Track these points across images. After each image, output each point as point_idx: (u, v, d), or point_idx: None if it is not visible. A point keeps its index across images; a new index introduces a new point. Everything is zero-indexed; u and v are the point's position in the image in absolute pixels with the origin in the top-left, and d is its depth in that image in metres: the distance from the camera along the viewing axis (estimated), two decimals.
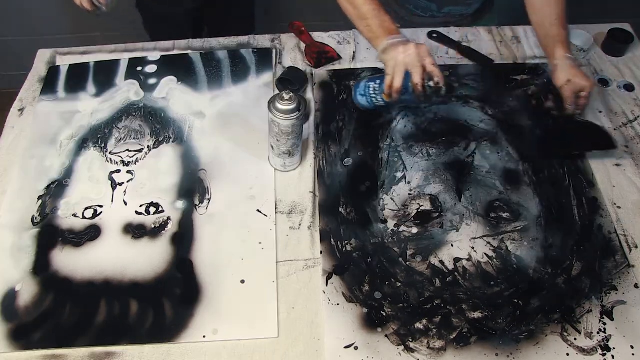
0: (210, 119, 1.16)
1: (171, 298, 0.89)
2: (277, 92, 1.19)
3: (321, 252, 0.95)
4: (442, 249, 0.95)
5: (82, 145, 1.11)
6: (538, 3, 1.12)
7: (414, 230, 0.98)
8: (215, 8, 1.58)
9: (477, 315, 0.88)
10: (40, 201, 1.02)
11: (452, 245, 0.96)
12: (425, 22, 1.36)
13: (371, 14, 1.03)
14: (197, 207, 1.01)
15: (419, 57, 0.98)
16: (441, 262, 0.94)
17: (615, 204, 1.02)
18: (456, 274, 0.92)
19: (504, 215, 1.00)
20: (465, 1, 1.32)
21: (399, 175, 1.06)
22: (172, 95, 1.20)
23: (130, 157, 1.09)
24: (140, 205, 1.01)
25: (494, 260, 0.94)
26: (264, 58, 1.28)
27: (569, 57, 1.07)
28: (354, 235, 0.97)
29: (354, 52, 1.30)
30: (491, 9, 1.41)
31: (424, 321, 0.87)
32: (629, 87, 1.22)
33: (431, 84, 0.99)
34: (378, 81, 1.07)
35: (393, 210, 1.01)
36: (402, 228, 0.98)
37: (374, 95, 1.08)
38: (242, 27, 1.60)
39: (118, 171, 1.07)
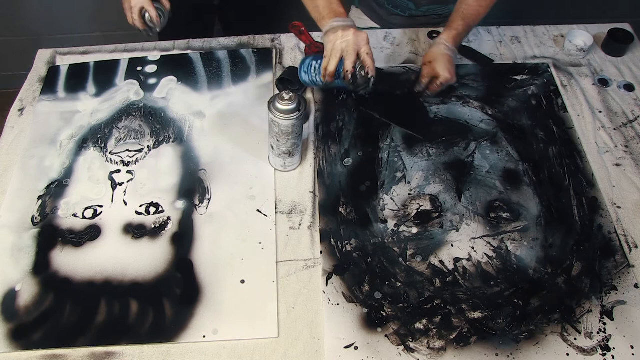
0: (210, 119, 1.16)
1: (171, 298, 0.89)
2: (277, 92, 1.19)
3: (321, 252, 0.95)
4: (442, 249, 0.95)
5: (82, 145, 1.11)
6: None
7: (414, 230, 0.98)
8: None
9: (477, 315, 0.88)
10: (40, 201, 1.02)
11: (452, 245, 0.96)
12: (405, 23, 1.36)
13: None
14: (197, 207, 1.01)
15: (355, 44, 0.99)
16: (441, 262, 0.94)
17: (615, 204, 1.02)
18: (456, 274, 0.92)
19: (504, 215, 1.00)
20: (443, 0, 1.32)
21: (399, 175, 1.06)
22: (172, 95, 1.20)
23: (130, 157, 1.09)
24: (140, 205, 1.01)
25: (494, 260, 0.94)
26: (264, 58, 1.28)
27: (449, 46, 1.12)
28: (354, 235, 0.97)
29: None
30: None
31: (424, 321, 0.87)
32: (629, 87, 1.22)
33: (363, 72, 1.00)
34: (320, 61, 1.07)
35: (393, 210, 1.01)
36: (402, 228, 0.98)
37: (314, 75, 1.09)
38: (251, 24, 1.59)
39: (118, 171, 1.07)
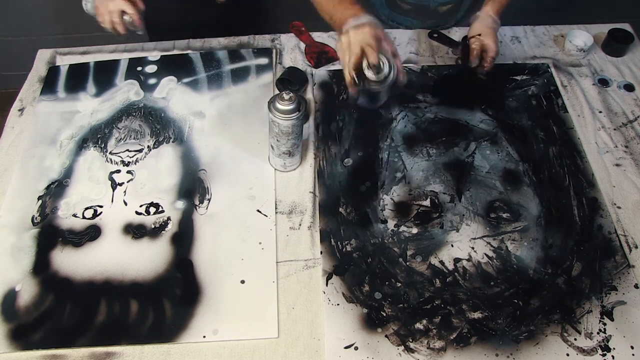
0: (210, 119, 1.16)
1: (171, 298, 0.89)
2: (277, 92, 1.19)
3: (321, 252, 0.95)
4: (442, 249, 0.95)
5: (82, 145, 1.11)
6: None
7: (414, 230, 0.98)
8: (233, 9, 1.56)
9: (477, 315, 0.88)
10: (40, 201, 1.02)
11: (452, 246, 0.96)
12: None
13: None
14: (197, 207, 1.01)
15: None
16: (441, 262, 0.94)
17: (615, 204, 1.02)
18: (456, 274, 0.92)
19: (504, 215, 1.00)
20: (447, 17, 1.32)
21: (399, 175, 1.06)
22: (172, 95, 1.20)
23: (130, 157, 1.09)
24: (140, 205, 1.01)
25: (494, 260, 0.94)
26: (264, 58, 1.27)
27: (494, 18, 1.12)
28: (354, 236, 0.97)
29: None
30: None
31: (424, 321, 0.87)
32: (629, 87, 1.22)
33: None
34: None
35: (393, 210, 1.01)
36: (402, 228, 0.98)
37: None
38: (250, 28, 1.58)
39: (118, 171, 1.07)
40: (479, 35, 1.11)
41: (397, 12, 1.33)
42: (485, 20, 1.13)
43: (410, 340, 0.85)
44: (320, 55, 1.28)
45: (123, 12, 1.14)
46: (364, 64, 0.94)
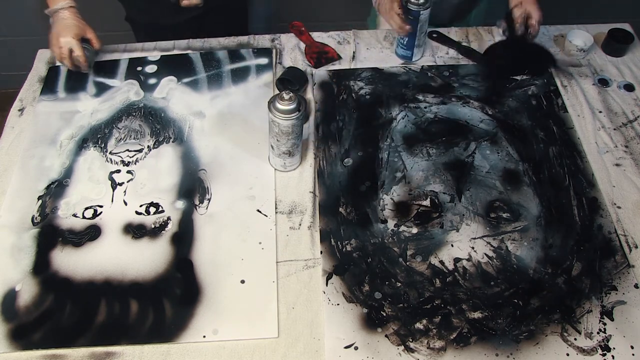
0: (210, 119, 1.16)
1: (171, 298, 0.89)
2: (277, 92, 1.19)
3: (321, 252, 0.95)
4: (442, 249, 0.95)
5: (82, 145, 1.11)
6: None
7: (414, 230, 0.98)
8: (216, 16, 1.56)
9: (477, 315, 0.88)
10: (40, 201, 1.02)
11: (452, 246, 0.96)
12: None
13: None
14: (197, 207, 1.01)
15: None
16: (441, 262, 0.94)
17: (615, 204, 1.02)
18: (456, 274, 0.92)
19: (504, 215, 1.00)
20: (465, 11, 1.34)
21: (399, 175, 1.06)
22: (172, 95, 1.20)
23: (130, 157, 1.09)
24: (140, 205, 1.01)
25: (494, 260, 0.94)
26: (264, 58, 1.27)
27: None
28: (354, 235, 0.97)
29: (353, 52, 1.30)
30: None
31: (424, 321, 0.87)
32: (629, 87, 1.22)
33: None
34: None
35: (393, 210, 1.01)
36: (402, 228, 0.98)
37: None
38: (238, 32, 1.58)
39: (118, 171, 1.07)
40: (520, 4, 1.17)
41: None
42: None
43: (410, 340, 0.85)
44: (320, 55, 1.28)
45: (71, 50, 1.17)
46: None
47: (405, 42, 1.23)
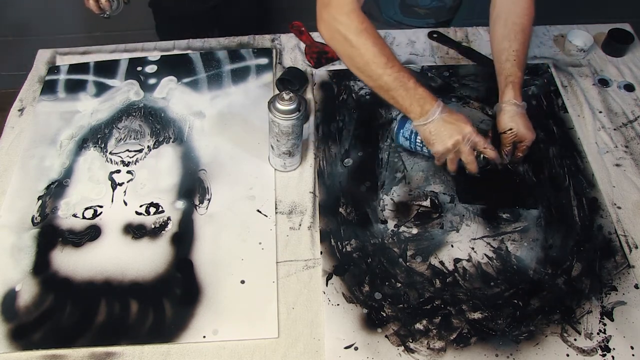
0: (210, 119, 1.16)
1: (171, 298, 0.89)
2: (277, 92, 1.19)
3: (321, 253, 0.95)
4: (442, 250, 0.95)
5: (82, 145, 1.11)
6: (498, 34, 1.06)
7: (414, 230, 0.98)
8: (231, 8, 1.58)
9: (477, 315, 0.88)
10: (40, 201, 1.02)
11: (452, 246, 0.96)
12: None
13: (394, 84, 0.93)
14: (197, 207, 1.01)
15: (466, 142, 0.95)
16: (441, 262, 0.94)
17: (615, 204, 1.02)
18: (456, 274, 0.92)
19: (504, 215, 1.00)
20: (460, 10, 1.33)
21: (399, 175, 1.06)
22: (172, 95, 1.20)
23: (130, 157, 1.09)
24: (140, 206, 1.01)
25: (494, 260, 0.94)
26: (264, 58, 1.27)
27: (517, 103, 1.00)
28: (354, 236, 0.97)
29: None
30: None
31: (424, 322, 0.87)
32: (629, 87, 1.22)
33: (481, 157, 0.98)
34: None
35: (393, 210, 1.01)
36: (402, 228, 0.98)
37: (419, 145, 1.04)
38: (251, 26, 1.60)
39: (118, 171, 1.07)
40: (510, 130, 0.99)
41: (412, 16, 1.34)
42: (510, 108, 1.00)
43: (410, 340, 0.85)
44: (320, 55, 1.28)
45: None
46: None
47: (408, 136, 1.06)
